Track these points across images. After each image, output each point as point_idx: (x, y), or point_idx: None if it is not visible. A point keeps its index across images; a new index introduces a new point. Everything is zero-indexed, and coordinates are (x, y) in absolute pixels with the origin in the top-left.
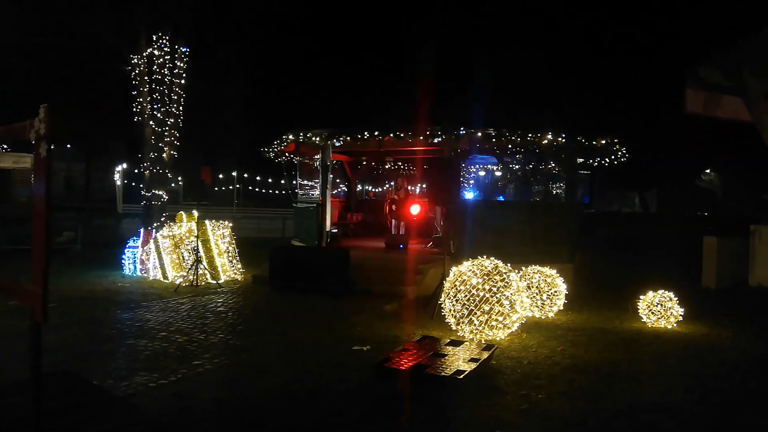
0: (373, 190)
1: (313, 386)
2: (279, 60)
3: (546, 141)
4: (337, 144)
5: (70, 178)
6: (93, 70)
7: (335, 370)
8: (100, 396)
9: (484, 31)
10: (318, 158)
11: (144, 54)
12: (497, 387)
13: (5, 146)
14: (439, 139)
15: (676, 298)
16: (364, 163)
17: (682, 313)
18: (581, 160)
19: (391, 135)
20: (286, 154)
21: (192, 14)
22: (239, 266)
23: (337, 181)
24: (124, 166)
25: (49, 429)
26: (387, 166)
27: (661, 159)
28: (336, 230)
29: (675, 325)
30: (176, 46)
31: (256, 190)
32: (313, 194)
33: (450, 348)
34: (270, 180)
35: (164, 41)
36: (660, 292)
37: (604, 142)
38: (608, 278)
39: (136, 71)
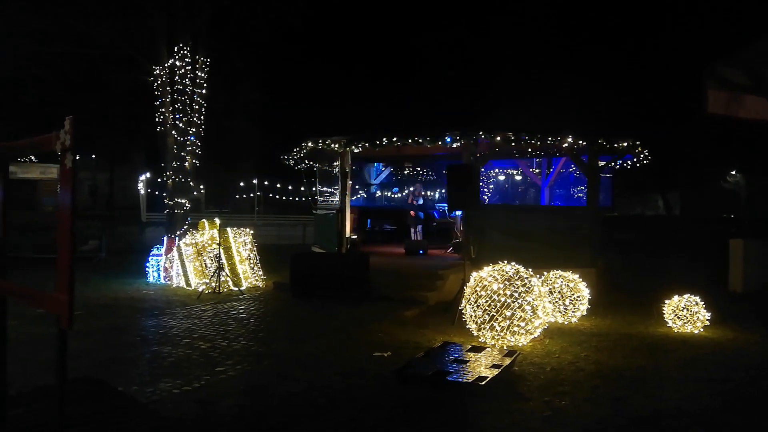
0: (393, 195)
1: (334, 392)
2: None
3: (566, 144)
4: (356, 150)
5: (95, 187)
6: (114, 81)
7: (356, 377)
8: (123, 402)
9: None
10: (337, 165)
11: (165, 65)
12: (520, 393)
13: (32, 157)
14: (458, 144)
15: (702, 303)
16: (384, 168)
17: (709, 318)
18: (602, 162)
19: (410, 140)
20: (305, 161)
21: (208, 25)
22: (261, 273)
23: (356, 187)
24: (147, 175)
25: None
26: (406, 172)
27: (685, 160)
28: (356, 236)
29: (701, 329)
30: (196, 57)
31: (277, 197)
32: (332, 201)
33: (471, 354)
34: (290, 187)
35: (185, 52)
36: (686, 296)
37: (625, 144)
38: (632, 282)
39: (158, 82)
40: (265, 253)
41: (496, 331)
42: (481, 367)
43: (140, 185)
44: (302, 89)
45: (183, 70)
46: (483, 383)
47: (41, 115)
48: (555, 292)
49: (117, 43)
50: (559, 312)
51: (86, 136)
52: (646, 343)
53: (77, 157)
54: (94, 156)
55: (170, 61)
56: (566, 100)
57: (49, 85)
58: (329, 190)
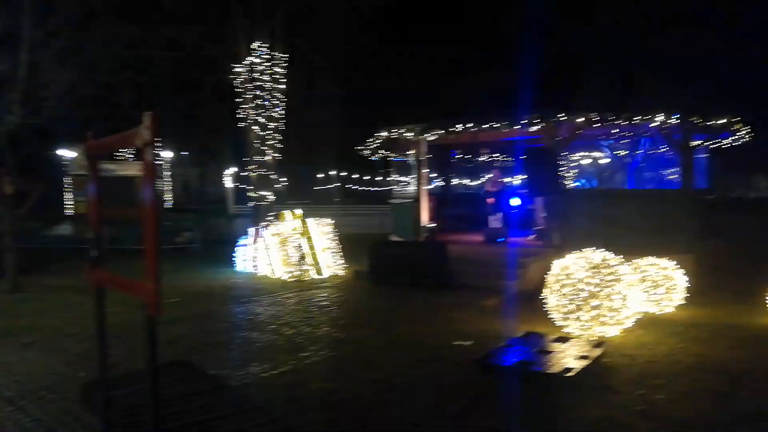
0: (470, 182)
1: (415, 380)
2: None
3: (656, 123)
4: (431, 138)
5: (187, 182)
6: (200, 81)
7: (437, 364)
8: (215, 384)
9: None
10: (412, 153)
11: (245, 63)
12: (610, 386)
13: (132, 156)
14: (538, 127)
15: None
16: (459, 156)
17: None
18: (697, 142)
19: (486, 125)
20: (381, 151)
21: (284, 21)
22: (341, 262)
23: (434, 175)
24: (234, 169)
25: (170, 414)
26: (483, 158)
27: None
28: (433, 224)
29: None
30: (274, 53)
31: (355, 188)
32: (408, 189)
33: (557, 344)
34: (367, 177)
35: (263, 49)
36: None
37: (723, 121)
38: (734, 269)
39: (239, 79)
40: (344, 242)
41: (583, 321)
42: (568, 358)
43: (226, 179)
44: (377, 78)
45: (262, 67)
46: (570, 375)
47: (137, 116)
48: (647, 280)
49: (201, 45)
50: (653, 301)
51: (177, 135)
52: (752, 334)
53: (157, 152)
54: (185, 153)
55: (249, 59)
56: (656, 76)
57: (142, 88)
58: (405, 179)
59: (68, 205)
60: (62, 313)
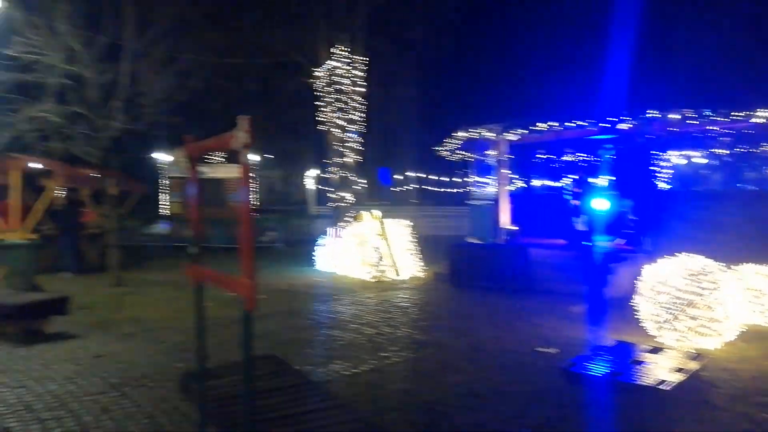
0: (553, 183)
1: (497, 385)
2: (446, 57)
3: (761, 119)
4: (513, 137)
5: (271, 184)
6: (283, 86)
7: (519, 371)
8: (300, 380)
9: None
10: (492, 154)
11: (325, 66)
12: (710, 402)
13: (221, 158)
14: (628, 125)
15: None
16: (541, 155)
17: None
18: None
19: (573, 123)
20: (460, 152)
21: (364, 25)
22: (420, 263)
23: (514, 176)
24: (314, 171)
25: (260, 406)
26: (567, 158)
27: None
28: (514, 227)
29: None
30: (354, 57)
31: (432, 189)
32: (488, 191)
33: (649, 355)
34: (445, 178)
35: (343, 53)
36: None
37: None
38: None
39: (320, 84)
40: (422, 243)
41: (679, 331)
42: (662, 370)
43: (308, 181)
44: (457, 78)
45: (342, 71)
46: (665, 388)
47: (227, 121)
48: (752, 289)
49: (284, 51)
50: (758, 312)
51: (262, 138)
52: None
53: (252, 154)
54: (270, 156)
55: (330, 63)
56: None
57: (230, 94)
58: (484, 180)
59: (164, 205)
60: (160, 306)
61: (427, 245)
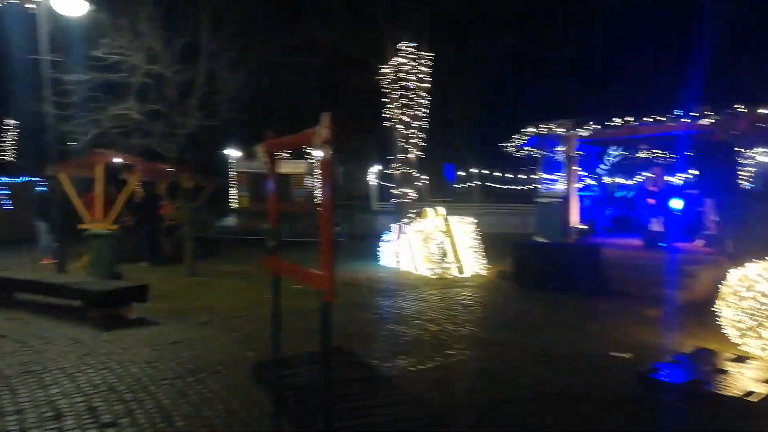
0: (626, 181)
1: (568, 389)
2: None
3: None
4: (584, 133)
5: (334, 179)
6: (346, 83)
7: (591, 376)
8: (369, 373)
9: None
10: (561, 150)
11: (391, 63)
12: None
13: (287, 154)
14: (710, 121)
15: None
16: (614, 152)
17: None
18: None
19: (650, 118)
20: (527, 148)
21: (431, 23)
22: (483, 261)
23: (584, 173)
24: (377, 167)
25: (332, 396)
26: (641, 155)
27: None
28: (584, 226)
29: None
30: (420, 53)
31: (495, 186)
32: (556, 188)
33: (733, 364)
34: (510, 175)
35: (409, 49)
36: None
37: None
38: None
39: (385, 80)
40: (486, 241)
41: (765, 339)
42: (748, 380)
43: (370, 177)
44: (523, 72)
45: (408, 67)
46: (753, 399)
47: (292, 118)
48: None
49: (349, 48)
50: None
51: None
52: None
53: (333, 150)
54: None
55: (396, 59)
56: None
57: (294, 92)
58: (553, 177)
59: (233, 199)
60: (231, 296)
61: (491, 243)
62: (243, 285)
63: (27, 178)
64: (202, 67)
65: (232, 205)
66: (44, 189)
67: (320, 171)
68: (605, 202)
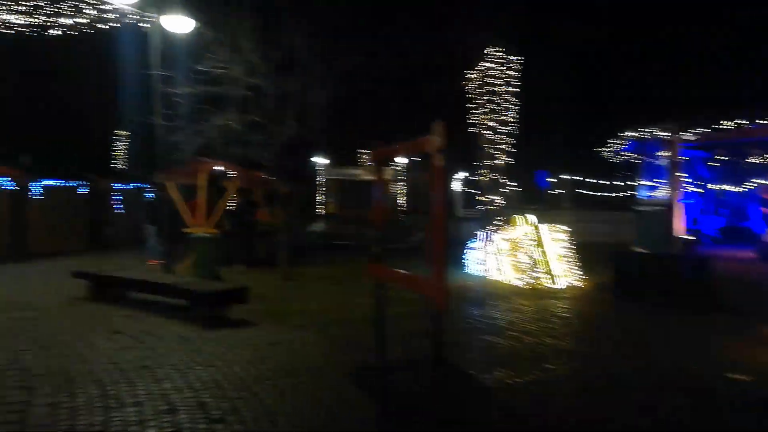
0: (736, 188)
1: (679, 410)
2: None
3: None
4: (690, 138)
5: (417, 186)
6: (429, 89)
7: (706, 398)
8: (470, 385)
9: None
10: (664, 155)
11: (478, 68)
12: None
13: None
14: None
15: None
16: (722, 157)
17: None
18: None
19: (766, 121)
20: (626, 154)
21: (520, 26)
22: (578, 272)
23: (688, 180)
24: (462, 173)
25: (436, 406)
26: (755, 160)
27: None
28: (690, 236)
29: None
30: (508, 56)
31: (589, 192)
32: (657, 195)
33: None
34: (604, 182)
35: (497, 53)
36: None
37: None
38: None
39: (472, 85)
40: (580, 250)
41: None
42: None
43: (455, 183)
44: (619, 75)
45: (496, 71)
46: None
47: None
48: None
49: (433, 55)
50: None
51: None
52: None
53: (446, 157)
54: (417, 159)
55: (484, 65)
56: None
57: (375, 99)
58: (653, 184)
59: (321, 205)
60: (324, 300)
61: (585, 253)
62: (334, 289)
63: (137, 185)
64: (297, 79)
65: (320, 210)
66: (152, 195)
67: (431, 179)
68: (712, 210)
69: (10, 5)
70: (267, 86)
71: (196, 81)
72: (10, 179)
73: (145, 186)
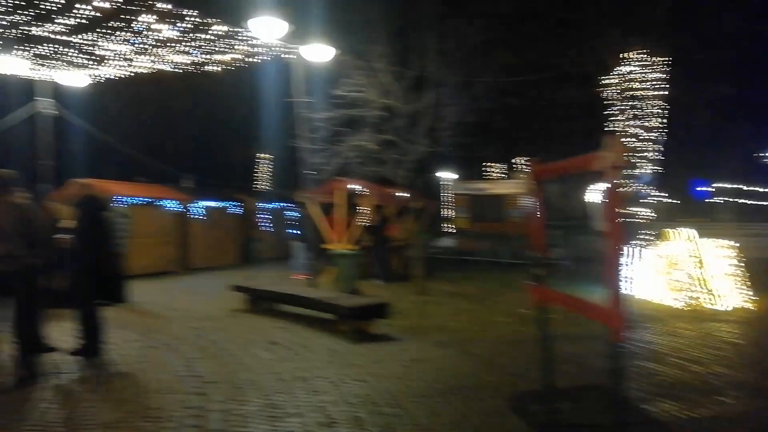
0: None
1: None
2: None
3: None
4: None
5: (550, 198)
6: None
7: None
8: (640, 417)
9: None
10: None
11: (616, 73)
12: None
13: (502, 174)
14: None
15: None
16: None
17: None
18: None
19: None
20: None
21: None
22: (746, 291)
23: None
24: (598, 184)
25: None
26: None
27: None
28: None
29: None
30: (650, 59)
31: (757, 203)
32: None
33: None
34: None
35: (639, 56)
36: None
37: None
38: None
39: (610, 91)
40: (749, 267)
41: None
42: None
43: (590, 195)
44: None
45: (638, 75)
46: None
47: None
48: None
49: (568, 63)
50: None
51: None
52: None
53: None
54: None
55: (623, 69)
56: None
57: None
58: None
59: (448, 220)
60: (460, 317)
61: (755, 270)
62: (470, 306)
63: (280, 204)
64: (429, 96)
65: (448, 226)
66: (296, 213)
67: (608, 197)
68: None
69: (175, 47)
70: (400, 106)
71: (333, 105)
72: (178, 201)
73: (286, 204)
